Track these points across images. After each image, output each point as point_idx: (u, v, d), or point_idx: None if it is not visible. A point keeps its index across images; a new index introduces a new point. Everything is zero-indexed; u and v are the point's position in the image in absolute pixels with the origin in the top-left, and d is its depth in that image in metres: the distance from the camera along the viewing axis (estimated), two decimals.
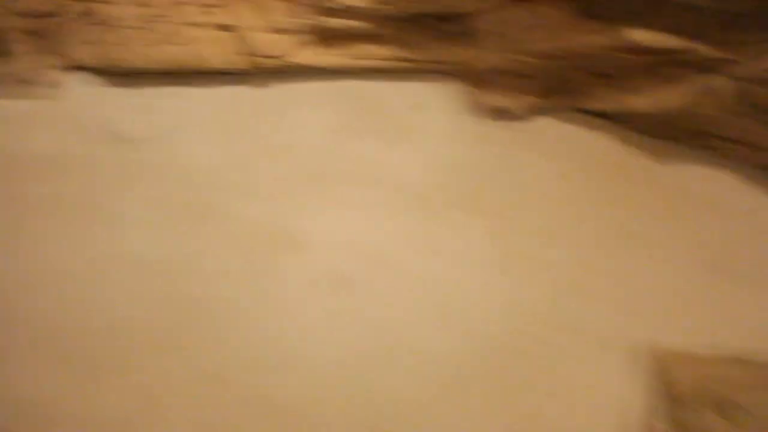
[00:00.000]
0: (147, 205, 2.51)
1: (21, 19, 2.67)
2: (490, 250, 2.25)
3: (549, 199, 2.35)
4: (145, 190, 2.51)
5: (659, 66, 2.30)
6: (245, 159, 2.42)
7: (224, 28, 2.44)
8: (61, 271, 2.68)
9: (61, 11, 2.60)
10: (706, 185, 2.42)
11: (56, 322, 2.74)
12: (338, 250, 2.29)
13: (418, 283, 2.23)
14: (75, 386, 2.70)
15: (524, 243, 2.28)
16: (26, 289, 2.80)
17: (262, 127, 2.42)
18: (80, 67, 2.65)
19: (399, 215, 2.28)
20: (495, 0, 2.20)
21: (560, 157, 2.40)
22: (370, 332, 2.25)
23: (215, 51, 2.45)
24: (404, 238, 2.27)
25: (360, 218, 2.30)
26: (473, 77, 2.39)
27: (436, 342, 2.20)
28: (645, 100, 2.36)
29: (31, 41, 2.71)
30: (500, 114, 2.39)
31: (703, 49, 2.20)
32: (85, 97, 2.63)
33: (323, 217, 2.32)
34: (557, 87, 2.41)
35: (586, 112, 2.46)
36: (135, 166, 2.53)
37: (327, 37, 2.37)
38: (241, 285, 2.38)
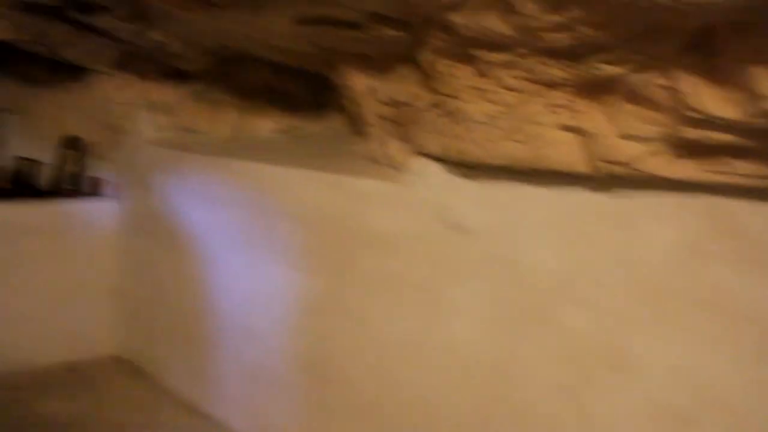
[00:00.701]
0: (476, 297, 2.57)
1: (379, 105, 2.95)
2: None
3: None
4: (476, 283, 2.57)
5: None
6: (581, 266, 2.36)
7: (569, 128, 2.39)
8: (382, 344, 2.87)
9: (414, 101, 2.80)
10: None
11: (368, 388, 2.93)
12: (671, 381, 2.10)
13: None
14: None
15: None
16: (346, 353, 3.05)
17: (601, 235, 2.33)
18: (426, 155, 2.83)
19: (747, 353, 2.02)
20: None
21: None
22: None
23: (557, 151, 2.41)
24: (751, 381, 2.00)
25: (700, 349, 2.09)
26: None
27: None
28: None
29: (385, 126, 2.97)
30: None
31: None
32: (428, 183, 2.79)
33: (659, 342, 2.15)
34: None
35: None
36: (469, 257, 2.61)
37: (682, 147, 2.21)
38: (562, 399, 2.30)
